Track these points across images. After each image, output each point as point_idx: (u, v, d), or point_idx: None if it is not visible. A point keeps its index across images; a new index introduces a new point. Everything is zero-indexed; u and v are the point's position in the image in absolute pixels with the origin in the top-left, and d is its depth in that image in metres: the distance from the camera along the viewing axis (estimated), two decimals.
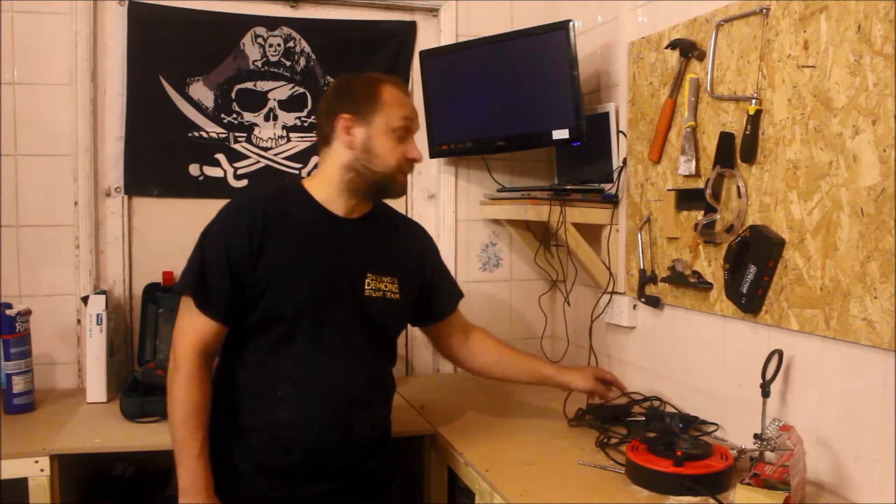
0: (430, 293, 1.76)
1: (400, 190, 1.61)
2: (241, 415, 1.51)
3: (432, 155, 2.46)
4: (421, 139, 2.47)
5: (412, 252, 1.73)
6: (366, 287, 1.57)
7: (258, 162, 2.42)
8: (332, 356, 1.54)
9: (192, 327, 1.48)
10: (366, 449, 1.59)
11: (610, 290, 2.21)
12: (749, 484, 1.34)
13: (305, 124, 2.45)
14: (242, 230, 1.48)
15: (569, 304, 2.53)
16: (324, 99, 1.63)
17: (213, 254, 1.49)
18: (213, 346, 1.50)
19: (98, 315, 2.06)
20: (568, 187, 2.22)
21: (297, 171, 2.44)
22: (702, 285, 1.82)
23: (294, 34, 2.42)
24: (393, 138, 1.55)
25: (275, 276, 1.48)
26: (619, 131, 2.18)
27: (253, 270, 1.48)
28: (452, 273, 2.53)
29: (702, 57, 1.82)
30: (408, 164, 1.58)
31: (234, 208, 1.56)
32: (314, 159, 2.45)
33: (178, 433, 1.44)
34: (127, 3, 2.27)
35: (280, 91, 2.42)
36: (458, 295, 1.87)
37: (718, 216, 1.76)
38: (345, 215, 1.58)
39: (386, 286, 1.60)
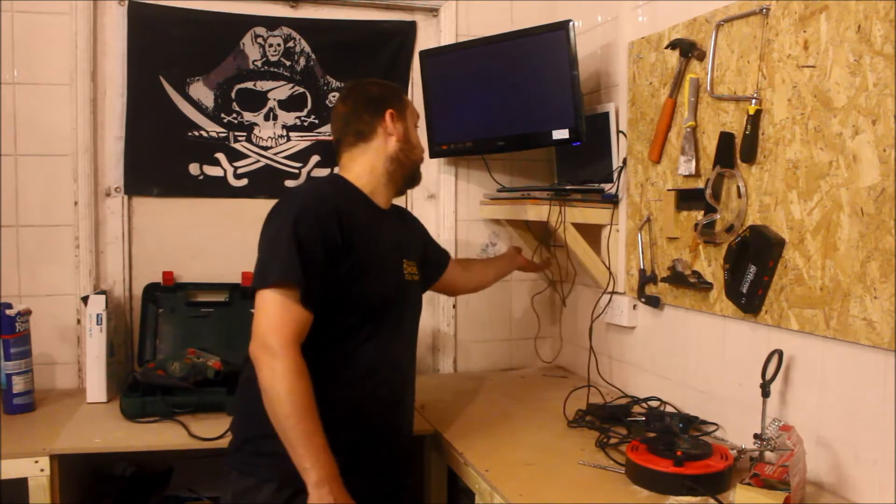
0: (427, 264, 1.91)
1: (420, 180, 1.79)
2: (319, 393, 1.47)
3: (432, 155, 2.46)
4: (421, 139, 2.48)
5: (416, 234, 1.89)
6: (405, 272, 1.68)
7: (258, 161, 2.42)
8: (392, 338, 1.62)
9: (290, 319, 1.41)
10: (410, 427, 1.72)
11: (610, 290, 2.21)
12: (749, 484, 1.34)
13: (305, 124, 2.45)
14: (334, 220, 1.48)
15: (565, 305, 2.53)
16: (352, 101, 1.69)
17: (310, 241, 1.44)
18: (304, 336, 1.44)
19: (98, 315, 2.06)
20: (568, 187, 2.22)
21: (297, 171, 2.44)
22: (702, 285, 1.82)
23: (294, 34, 2.42)
24: (416, 132, 1.75)
25: (360, 270, 1.51)
26: (619, 131, 2.18)
27: (341, 262, 1.48)
28: None
29: (702, 57, 1.82)
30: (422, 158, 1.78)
31: (318, 198, 1.54)
32: (314, 158, 2.45)
33: (302, 426, 1.36)
34: (127, 3, 2.27)
35: (280, 91, 2.42)
36: (446, 254, 2.05)
37: (718, 216, 1.76)
38: (384, 207, 1.68)
39: (412, 269, 1.72)
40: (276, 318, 1.41)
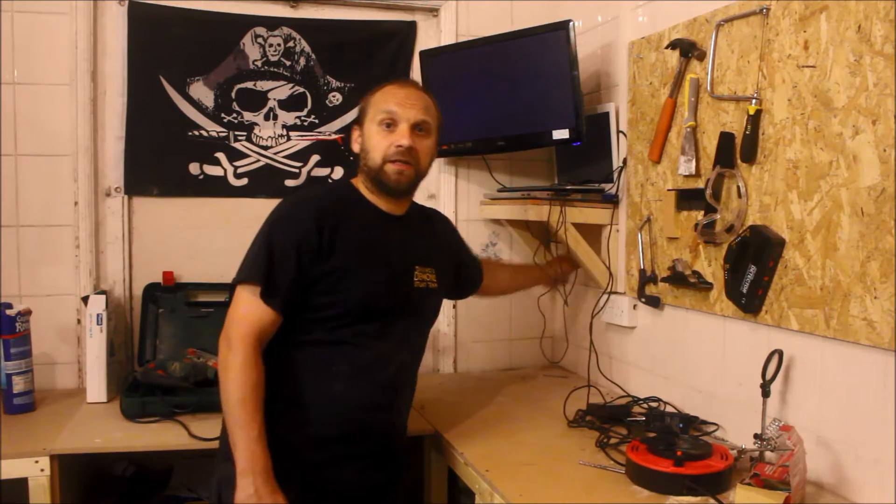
0: (461, 273, 1.92)
1: (393, 179, 1.59)
2: (293, 389, 1.54)
3: None
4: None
5: (443, 241, 1.86)
6: (414, 279, 1.67)
7: (258, 161, 2.42)
8: (385, 341, 1.61)
9: (252, 315, 1.49)
10: (401, 428, 1.71)
11: (610, 290, 2.21)
12: (749, 484, 1.34)
13: (305, 123, 2.45)
14: (312, 225, 1.52)
15: (567, 305, 2.53)
16: None
17: (282, 246, 1.50)
18: (268, 334, 1.51)
19: (98, 315, 2.06)
20: (568, 187, 2.22)
21: (297, 170, 2.44)
22: (702, 285, 1.82)
23: (294, 34, 2.42)
24: (380, 132, 1.60)
25: (343, 274, 1.53)
26: (619, 131, 2.18)
27: (321, 266, 1.51)
28: None
29: (702, 57, 1.82)
30: (397, 151, 1.58)
31: (301, 203, 1.60)
32: (314, 158, 2.45)
33: (237, 414, 1.44)
34: (127, 3, 2.27)
35: (280, 91, 2.42)
36: (479, 264, 2.04)
37: (718, 216, 1.76)
38: (391, 212, 1.66)
39: (428, 277, 1.70)
40: (239, 312, 1.50)
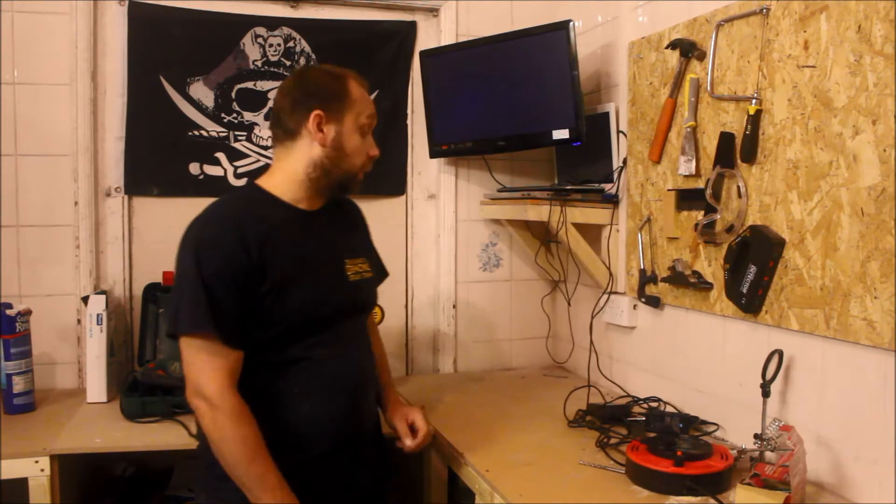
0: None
1: (358, 187, 1.58)
2: (261, 417, 1.41)
3: (432, 155, 2.46)
4: (421, 139, 2.49)
5: (363, 228, 1.78)
6: (348, 273, 1.59)
7: (258, 161, 2.41)
8: (339, 346, 1.54)
9: (217, 366, 1.37)
10: (374, 424, 1.67)
11: (610, 290, 2.21)
12: (749, 484, 1.34)
13: None
14: (238, 248, 1.40)
15: (569, 305, 2.53)
16: (286, 92, 1.55)
17: (217, 281, 1.38)
18: (238, 374, 1.40)
19: (98, 315, 2.06)
20: (568, 187, 2.22)
21: None
22: (702, 285, 1.82)
23: (294, 34, 2.42)
24: (359, 135, 1.54)
25: (280, 288, 1.43)
26: (619, 131, 2.18)
27: (257, 287, 1.41)
28: (452, 273, 2.55)
29: (702, 57, 1.82)
30: (369, 161, 1.57)
31: (216, 226, 1.45)
32: None
33: (252, 470, 1.35)
34: (127, 3, 2.27)
35: None
36: (385, 271, 1.84)
37: (718, 216, 1.76)
38: (309, 209, 1.56)
39: (360, 267, 1.63)
40: (203, 365, 1.37)
